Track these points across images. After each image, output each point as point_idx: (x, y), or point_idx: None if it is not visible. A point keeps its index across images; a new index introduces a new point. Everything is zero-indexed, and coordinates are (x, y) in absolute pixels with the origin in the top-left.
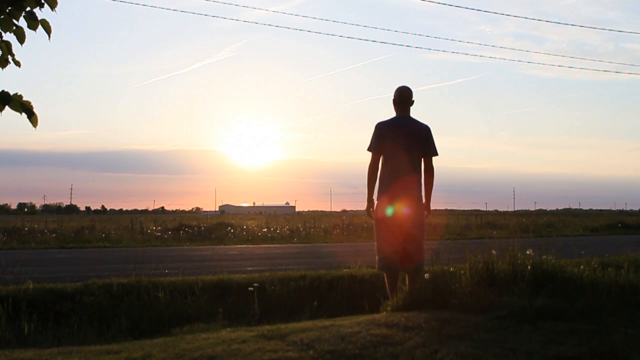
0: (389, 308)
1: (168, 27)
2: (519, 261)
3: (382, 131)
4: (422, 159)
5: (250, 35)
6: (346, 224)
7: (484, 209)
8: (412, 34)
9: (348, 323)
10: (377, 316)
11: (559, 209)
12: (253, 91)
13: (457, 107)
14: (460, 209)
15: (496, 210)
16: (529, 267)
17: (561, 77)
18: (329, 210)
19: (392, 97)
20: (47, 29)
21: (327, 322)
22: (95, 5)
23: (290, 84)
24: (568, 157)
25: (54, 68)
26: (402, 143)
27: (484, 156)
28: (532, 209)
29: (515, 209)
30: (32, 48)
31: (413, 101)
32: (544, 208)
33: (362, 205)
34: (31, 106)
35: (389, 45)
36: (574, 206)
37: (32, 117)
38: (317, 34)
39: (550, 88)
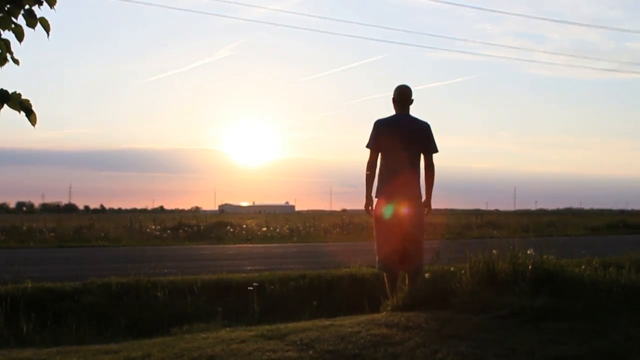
0: (389, 308)
1: (167, 26)
2: (519, 261)
3: (381, 129)
4: (422, 157)
5: (249, 33)
6: (346, 223)
7: (485, 209)
8: (412, 32)
9: (348, 323)
10: (377, 316)
11: (560, 208)
12: (253, 90)
13: (457, 105)
14: (461, 208)
15: (497, 210)
16: (529, 266)
17: (562, 76)
18: (329, 209)
19: (392, 96)
20: (46, 27)
21: (326, 322)
22: (94, 4)
23: (290, 82)
24: (569, 156)
25: (53, 67)
26: (402, 141)
27: (485, 155)
28: (533, 208)
29: (516, 209)
30: (31, 46)
31: (413, 100)
32: (544, 207)
33: (362, 205)
34: (30, 104)
35: (389, 44)
36: (575, 206)
37: (30, 115)
38: (317, 32)
39: (551, 87)
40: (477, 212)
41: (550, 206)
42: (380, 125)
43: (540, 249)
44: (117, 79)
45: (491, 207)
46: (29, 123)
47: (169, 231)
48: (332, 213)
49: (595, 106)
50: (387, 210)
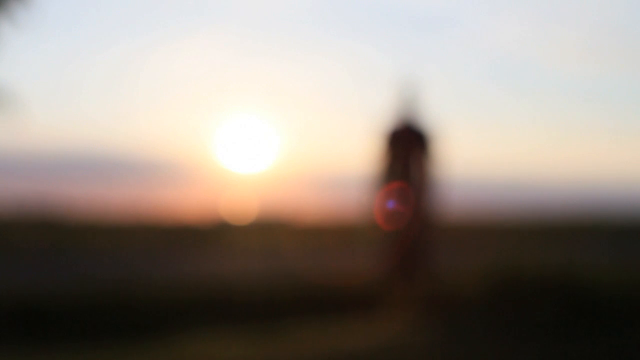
0: (392, 315)
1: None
2: (533, 267)
3: (387, 134)
4: (430, 162)
5: (243, 28)
6: (348, 228)
7: (496, 212)
8: (415, 20)
9: (349, 329)
10: (380, 323)
11: (577, 212)
12: (249, 91)
13: (465, 100)
14: (471, 212)
15: (509, 214)
16: (544, 273)
17: (578, 73)
18: (330, 214)
19: (397, 96)
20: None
21: (326, 328)
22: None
23: (289, 80)
24: (587, 156)
25: (42, 64)
26: (408, 146)
27: (495, 155)
28: (548, 212)
29: (531, 212)
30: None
31: (418, 100)
32: (560, 211)
33: (365, 210)
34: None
35: (389, 38)
36: (595, 209)
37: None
38: (315, 20)
39: (565, 83)
40: (487, 216)
41: (567, 210)
42: (386, 130)
43: (556, 254)
44: (110, 79)
45: (503, 211)
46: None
47: (162, 238)
48: (333, 218)
49: (611, 103)
50: (392, 217)
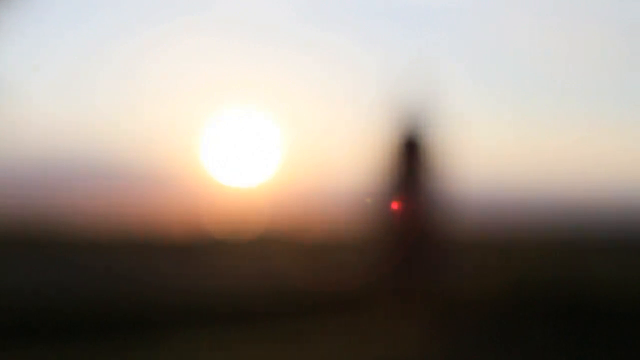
0: (394, 328)
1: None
2: (546, 282)
3: (389, 141)
4: (436, 169)
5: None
6: (348, 239)
7: (504, 220)
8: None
9: (345, 340)
10: (380, 334)
11: (596, 219)
12: (244, 94)
13: (473, 97)
14: (479, 219)
15: (521, 222)
16: (557, 289)
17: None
18: (329, 221)
19: (400, 102)
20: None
21: (324, 336)
22: None
23: (287, 81)
24: (608, 159)
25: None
26: (414, 152)
27: (507, 158)
28: (562, 220)
29: (544, 221)
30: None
31: (423, 105)
32: (577, 219)
33: (366, 219)
34: None
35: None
36: (610, 217)
37: None
38: (315, 21)
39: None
40: (496, 224)
41: (583, 217)
42: (392, 138)
43: (574, 269)
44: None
45: (513, 219)
46: None
47: (154, 252)
48: (332, 227)
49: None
50: (395, 226)
